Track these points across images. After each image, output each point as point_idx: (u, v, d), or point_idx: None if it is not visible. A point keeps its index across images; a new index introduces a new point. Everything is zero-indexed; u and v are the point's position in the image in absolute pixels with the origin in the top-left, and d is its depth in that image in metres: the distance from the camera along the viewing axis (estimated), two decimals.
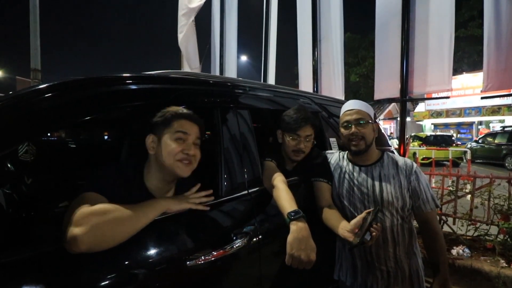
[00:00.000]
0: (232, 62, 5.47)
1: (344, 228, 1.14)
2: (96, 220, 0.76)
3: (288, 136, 1.44)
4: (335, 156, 1.50)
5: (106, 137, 2.25)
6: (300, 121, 1.40)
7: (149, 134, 1.01)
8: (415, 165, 1.33)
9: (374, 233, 1.03)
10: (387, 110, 22.04)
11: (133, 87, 1.09)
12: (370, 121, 1.33)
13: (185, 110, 1.04)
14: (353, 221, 1.11)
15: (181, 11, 5.52)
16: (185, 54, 5.46)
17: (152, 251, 0.89)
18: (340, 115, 1.41)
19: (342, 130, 1.37)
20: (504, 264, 2.43)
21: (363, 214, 1.10)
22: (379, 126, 1.52)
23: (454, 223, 3.09)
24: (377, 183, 1.31)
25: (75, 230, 0.73)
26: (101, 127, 2.17)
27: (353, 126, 1.31)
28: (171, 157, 0.97)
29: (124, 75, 1.08)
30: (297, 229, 1.04)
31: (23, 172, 1.40)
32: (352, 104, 1.37)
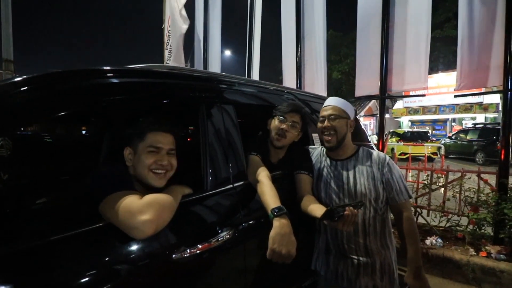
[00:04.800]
0: (216, 57, 5.43)
1: (321, 208, 1.17)
2: (158, 206, 0.88)
3: (276, 119, 1.49)
4: (317, 151, 1.57)
5: (86, 132, 2.19)
6: (291, 106, 1.50)
7: (126, 147, 1.05)
8: (387, 157, 1.40)
9: (346, 212, 1.04)
10: (367, 107, 22.64)
11: (116, 80, 1.07)
12: (343, 117, 1.40)
13: (157, 121, 1.07)
14: (335, 206, 1.14)
15: (167, 8, 5.41)
16: (173, 51, 5.35)
17: (138, 245, 0.89)
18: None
19: (318, 124, 1.45)
20: (473, 253, 2.59)
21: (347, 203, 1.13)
22: (358, 123, 1.58)
23: (428, 215, 3.25)
24: (351, 176, 1.37)
25: (144, 217, 0.83)
26: (81, 122, 2.11)
27: (326, 121, 1.39)
28: (145, 169, 1.01)
29: (106, 68, 1.06)
30: (280, 225, 1.07)
31: None
32: (329, 101, 1.46)
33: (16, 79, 0.88)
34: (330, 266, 1.41)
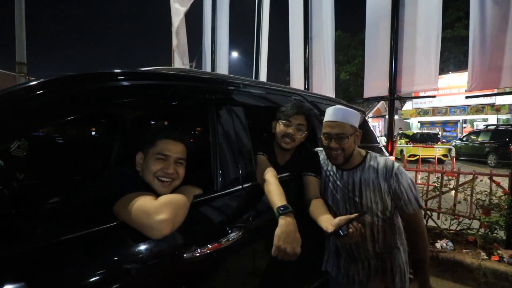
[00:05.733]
0: (223, 59, 5.46)
1: (328, 220, 1.15)
2: (173, 206, 0.91)
3: (280, 122, 1.48)
4: (322, 154, 1.53)
5: (98, 133, 2.23)
6: (294, 108, 1.47)
7: (139, 151, 1.09)
8: (396, 166, 1.30)
9: (351, 230, 1.04)
10: (375, 108, 22.40)
11: (128, 83, 1.09)
12: (351, 134, 1.30)
13: (170, 129, 1.09)
14: (340, 217, 1.11)
15: (173, 8, 5.47)
16: (178, 51, 5.41)
17: (149, 245, 0.91)
18: (324, 119, 1.37)
19: (323, 139, 1.35)
20: (485, 257, 2.54)
21: (352, 216, 1.10)
22: (367, 124, 1.55)
23: (438, 218, 3.19)
24: (357, 188, 1.32)
25: (161, 216, 0.86)
26: (95, 124, 2.15)
27: (333, 141, 1.30)
28: (151, 175, 1.03)
29: (118, 71, 1.08)
30: (285, 223, 1.08)
31: (15, 167, 1.38)
32: (335, 115, 1.31)
33: (31, 83, 0.90)
34: (341, 269, 1.40)
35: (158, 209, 0.86)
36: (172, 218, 0.87)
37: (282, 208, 1.12)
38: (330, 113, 1.34)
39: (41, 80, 0.92)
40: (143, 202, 0.88)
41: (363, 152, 1.40)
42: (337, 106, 1.37)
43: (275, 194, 1.18)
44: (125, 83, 1.08)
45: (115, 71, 1.07)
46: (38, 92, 0.88)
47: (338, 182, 1.38)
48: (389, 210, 1.30)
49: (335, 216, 1.32)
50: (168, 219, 0.86)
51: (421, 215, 1.34)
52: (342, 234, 1.05)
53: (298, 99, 1.84)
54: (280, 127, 1.48)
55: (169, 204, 0.90)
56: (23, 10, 4.16)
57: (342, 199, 1.35)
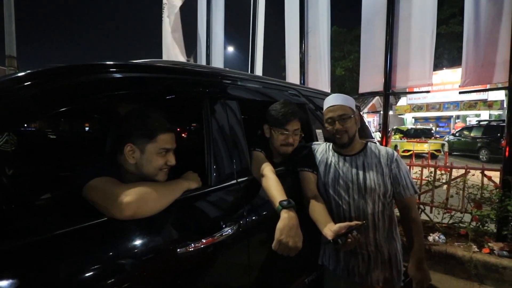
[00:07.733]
0: (218, 53, 5.41)
1: (329, 227, 1.18)
2: (142, 192, 0.89)
3: (276, 131, 1.46)
4: (321, 146, 1.55)
5: (90, 128, 2.20)
6: (288, 116, 1.44)
7: (127, 143, 1.00)
8: (396, 153, 1.41)
9: (349, 240, 1.08)
10: (370, 103, 22.51)
11: (120, 75, 1.07)
12: (352, 115, 1.39)
13: (166, 122, 1.06)
14: (340, 224, 1.15)
15: (169, 3, 5.37)
16: (174, 44, 5.30)
17: (143, 240, 0.90)
18: (323, 109, 1.46)
19: (327, 125, 1.43)
20: (476, 249, 2.59)
21: (352, 223, 1.14)
22: (361, 117, 1.58)
23: (431, 212, 3.24)
24: (360, 172, 1.37)
25: (125, 199, 0.85)
26: (87, 118, 2.12)
27: (337, 123, 1.37)
28: (157, 169, 1.03)
29: (110, 63, 1.06)
30: (288, 217, 1.08)
31: (4, 163, 1.35)
32: (334, 100, 1.41)
33: (19, 74, 0.87)
34: (340, 262, 1.42)
35: (128, 192, 0.86)
36: (133, 205, 0.86)
37: (285, 202, 1.12)
38: (330, 99, 1.43)
39: (29, 71, 0.89)
40: (112, 184, 0.89)
41: (363, 141, 1.48)
42: (335, 94, 1.47)
43: (275, 189, 1.18)
44: (117, 76, 1.06)
45: (107, 63, 1.05)
46: (26, 84, 0.85)
47: (340, 170, 1.41)
48: (389, 194, 1.37)
49: (336, 205, 1.39)
50: (131, 201, 0.85)
51: (415, 201, 1.43)
52: (340, 243, 1.08)
53: (293, 93, 1.83)
54: (278, 136, 1.46)
55: (138, 188, 0.89)
56: (12, 2, 4.06)
57: (345, 185, 1.38)
